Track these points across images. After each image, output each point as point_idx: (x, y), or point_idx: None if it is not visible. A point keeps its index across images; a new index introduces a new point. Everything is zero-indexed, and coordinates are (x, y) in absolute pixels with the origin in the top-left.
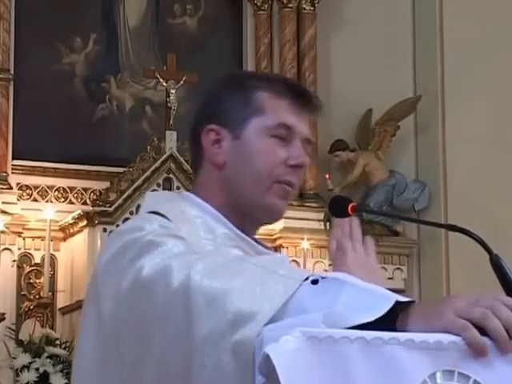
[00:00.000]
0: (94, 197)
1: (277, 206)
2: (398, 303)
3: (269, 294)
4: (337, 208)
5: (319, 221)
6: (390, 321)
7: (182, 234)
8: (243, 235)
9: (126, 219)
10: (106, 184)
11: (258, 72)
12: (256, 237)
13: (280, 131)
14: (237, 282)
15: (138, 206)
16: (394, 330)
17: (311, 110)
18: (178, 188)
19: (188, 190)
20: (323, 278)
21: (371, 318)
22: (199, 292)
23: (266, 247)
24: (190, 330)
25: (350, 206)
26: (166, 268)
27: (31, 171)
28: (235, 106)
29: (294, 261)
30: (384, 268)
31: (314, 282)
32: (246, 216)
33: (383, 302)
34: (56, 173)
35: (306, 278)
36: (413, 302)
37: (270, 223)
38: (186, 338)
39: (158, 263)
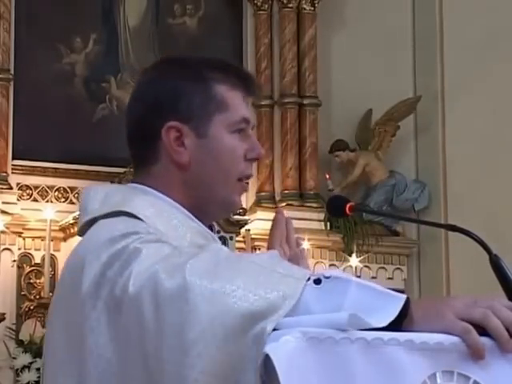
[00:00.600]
0: None
1: (238, 203)
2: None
3: (276, 295)
4: (335, 208)
5: (319, 221)
6: (395, 320)
7: (162, 232)
8: (210, 232)
9: None
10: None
11: (202, 57)
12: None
13: (242, 126)
14: (238, 282)
15: None
16: (397, 328)
17: (255, 96)
18: None
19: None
20: (326, 277)
21: (384, 323)
22: (198, 293)
23: None
24: (187, 335)
25: (348, 205)
26: (153, 275)
27: (31, 171)
28: (198, 101)
29: None
30: (384, 268)
31: (316, 281)
32: (204, 213)
33: (392, 302)
34: (56, 173)
35: (308, 278)
36: (408, 298)
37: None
38: (181, 347)
39: (145, 271)
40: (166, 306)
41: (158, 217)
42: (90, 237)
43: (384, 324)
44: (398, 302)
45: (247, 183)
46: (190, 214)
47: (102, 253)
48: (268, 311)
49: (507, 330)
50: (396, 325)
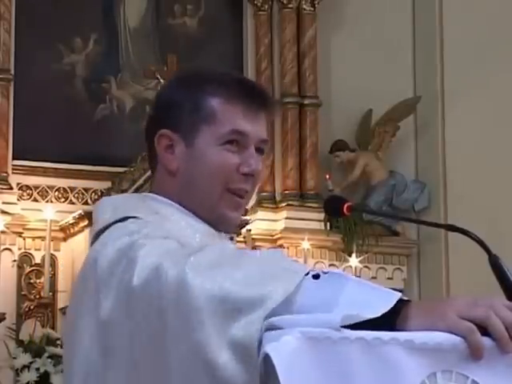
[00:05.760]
0: (95, 197)
1: (229, 217)
2: (399, 300)
3: (271, 287)
4: (332, 208)
5: (319, 221)
6: (390, 318)
7: (169, 231)
8: (220, 233)
9: None
10: (107, 184)
11: (214, 71)
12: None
13: (233, 138)
14: (237, 276)
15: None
16: (393, 326)
17: (267, 110)
18: None
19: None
20: (325, 272)
21: (377, 314)
22: (197, 287)
23: None
24: (188, 329)
25: (346, 206)
26: (157, 270)
27: (31, 171)
28: (186, 111)
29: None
30: (384, 268)
31: (315, 276)
32: (205, 222)
33: (387, 297)
34: (56, 173)
35: (307, 273)
36: (408, 300)
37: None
38: (182, 338)
39: (148, 266)
40: (165, 303)
41: (164, 220)
42: (100, 240)
43: (377, 314)
44: (393, 296)
45: (240, 197)
46: (197, 218)
47: (110, 252)
48: (263, 299)
49: (507, 330)
50: (391, 322)
